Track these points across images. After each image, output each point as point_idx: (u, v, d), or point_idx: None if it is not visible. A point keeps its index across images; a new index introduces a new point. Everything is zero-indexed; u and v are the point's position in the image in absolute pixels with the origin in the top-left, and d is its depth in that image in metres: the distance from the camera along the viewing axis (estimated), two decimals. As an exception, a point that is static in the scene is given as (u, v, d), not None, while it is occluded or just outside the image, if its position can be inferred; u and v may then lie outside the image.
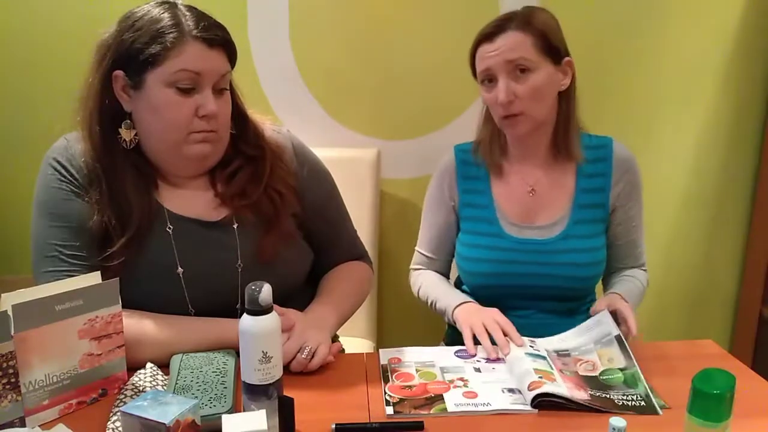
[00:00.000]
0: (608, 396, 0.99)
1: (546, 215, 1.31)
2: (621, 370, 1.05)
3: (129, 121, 1.09)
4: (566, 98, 1.28)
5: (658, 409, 0.96)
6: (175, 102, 1.04)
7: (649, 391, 0.99)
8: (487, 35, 1.24)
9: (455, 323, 1.25)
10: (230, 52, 1.09)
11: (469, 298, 1.28)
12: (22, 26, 1.72)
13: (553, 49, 1.24)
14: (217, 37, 1.06)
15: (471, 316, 1.21)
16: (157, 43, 1.02)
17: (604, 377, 1.04)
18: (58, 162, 1.09)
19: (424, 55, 1.76)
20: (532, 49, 1.22)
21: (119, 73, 1.06)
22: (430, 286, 1.38)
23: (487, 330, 1.15)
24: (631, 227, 1.34)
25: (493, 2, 1.73)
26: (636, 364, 1.05)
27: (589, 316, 1.38)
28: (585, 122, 1.35)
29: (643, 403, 0.97)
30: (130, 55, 1.04)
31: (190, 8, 1.07)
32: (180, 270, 1.10)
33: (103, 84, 1.07)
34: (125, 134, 1.09)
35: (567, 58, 1.26)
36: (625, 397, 0.98)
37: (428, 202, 1.42)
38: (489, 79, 1.25)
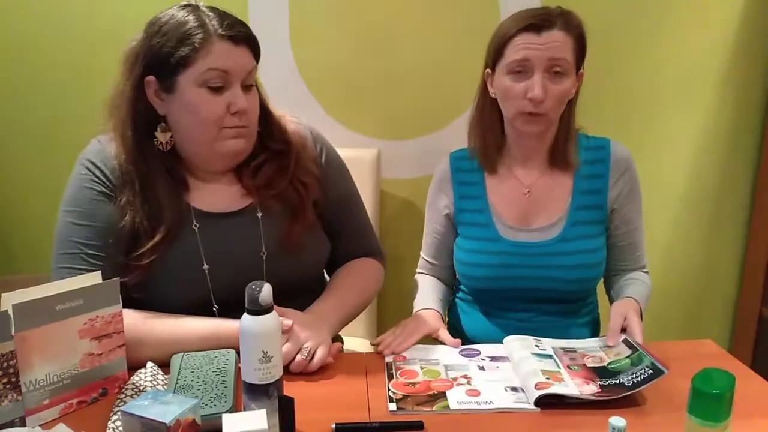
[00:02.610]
0: (618, 381, 1.00)
1: (543, 217, 1.31)
2: (627, 357, 1.07)
3: (164, 123, 1.11)
4: (569, 107, 1.27)
5: (664, 369, 0.98)
6: (207, 100, 1.07)
7: (653, 360, 1.02)
8: (534, 26, 1.18)
9: None
10: (254, 48, 1.12)
11: (429, 307, 1.29)
12: (26, 27, 1.72)
13: (582, 56, 1.24)
14: (242, 34, 1.08)
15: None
16: (185, 45, 1.05)
17: (613, 366, 1.06)
18: (92, 163, 1.11)
19: (425, 55, 1.76)
20: (572, 53, 1.21)
21: (151, 78, 1.08)
22: (417, 292, 1.38)
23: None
24: (630, 229, 1.33)
25: (493, 3, 1.73)
26: (639, 348, 1.08)
27: (591, 321, 1.37)
28: (585, 123, 1.34)
29: (650, 371, 1.00)
30: (160, 59, 1.06)
31: (212, 8, 1.10)
32: (206, 266, 1.11)
33: (135, 90, 1.09)
34: (161, 137, 1.12)
35: (581, 70, 1.26)
36: (634, 376, 1.00)
37: (427, 209, 1.42)
38: (520, 70, 1.21)
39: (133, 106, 1.10)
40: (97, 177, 1.10)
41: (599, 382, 1.01)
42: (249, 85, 1.11)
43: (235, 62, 1.07)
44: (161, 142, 1.11)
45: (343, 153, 1.73)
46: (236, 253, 1.13)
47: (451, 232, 1.39)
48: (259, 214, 1.16)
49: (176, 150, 1.14)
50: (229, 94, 1.08)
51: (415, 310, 1.31)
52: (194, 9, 1.08)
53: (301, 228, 1.17)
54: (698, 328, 2.00)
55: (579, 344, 1.16)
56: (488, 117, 1.31)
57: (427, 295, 1.35)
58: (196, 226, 1.13)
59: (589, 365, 1.07)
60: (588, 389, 0.99)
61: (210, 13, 1.08)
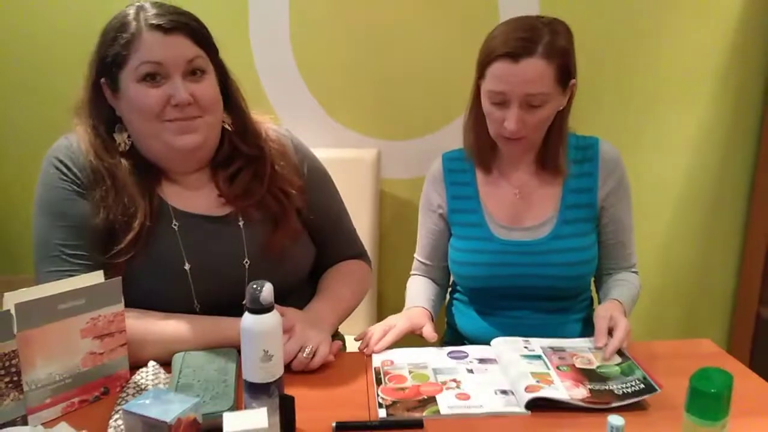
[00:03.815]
0: (608, 387, 1.00)
1: (534, 216, 1.31)
2: (617, 364, 1.07)
3: (120, 124, 1.11)
4: (560, 116, 1.26)
5: (657, 387, 0.98)
6: (145, 94, 1.05)
7: (645, 374, 1.02)
8: (511, 54, 1.16)
9: None
10: (196, 36, 1.08)
11: (418, 304, 1.29)
12: (23, 27, 1.73)
13: (567, 76, 1.22)
14: (173, 22, 1.05)
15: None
16: (117, 43, 1.04)
17: (602, 370, 1.05)
18: (60, 161, 1.09)
19: (425, 55, 1.77)
20: (552, 81, 1.18)
21: (104, 80, 1.08)
22: (408, 293, 1.39)
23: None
24: (619, 227, 1.33)
25: (492, 4, 1.73)
26: (631, 358, 1.08)
27: (585, 317, 1.37)
28: (582, 122, 1.34)
29: (642, 385, 0.99)
30: (103, 60, 1.06)
31: (155, 3, 1.08)
32: (187, 266, 1.11)
33: (93, 93, 1.09)
34: (118, 138, 1.11)
35: (573, 81, 1.24)
36: (624, 386, 1.00)
37: (421, 210, 1.42)
38: (498, 101, 1.20)
39: (92, 110, 1.10)
40: (66, 175, 1.08)
41: (589, 386, 1.00)
42: (198, 75, 1.07)
43: (168, 52, 1.04)
44: (119, 143, 1.10)
45: (343, 153, 1.75)
46: (218, 260, 1.12)
47: (446, 232, 1.39)
48: (241, 222, 1.15)
49: (138, 152, 1.12)
50: (169, 87, 1.04)
51: (404, 309, 1.31)
52: (138, 6, 1.07)
53: (283, 237, 1.16)
54: (696, 327, 2.00)
55: (568, 343, 1.16)
56: (481, 119, 1.30)
57: (417, 294, 1.36)
58: (175, 225, 1.11)
59: (578, 366, 1.07)
60: (578, 393, 0.98)
61: (148, 7, 1.06)
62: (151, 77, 1.04)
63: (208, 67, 1.10)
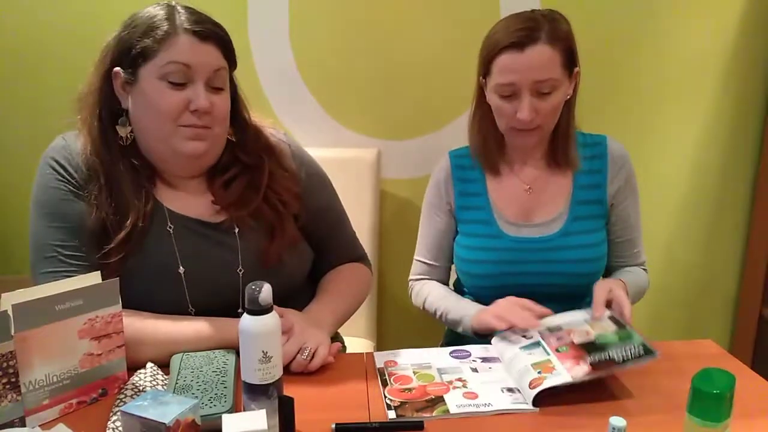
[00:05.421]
0: (608, 356, 1.01)
1: (543, 213, 1.31)
2: (614, 333, 1.08)
3: (125, 117, 1.10)
4: (567, 106, 1.26)
5: (655, 351, 0.99)
6: (166, 94, 1.05)
7: (643, 340, 1.03)
8: (516, 44, 1.17)
9: (472, 330, 1.23)
10: (225, 49, 1.10)
11: (482, 306, 1.28)
12: (23, 28, 1.72)
13: (572, 62, 1.22)
14: (209, 31, 1.07)
15: (493, 308, 1.20)
16: (149, 36, 1.04)
17: (601, 341, 1.06)
18: (56, 161, 1.09)
19: (425, 55, 1.76)
20: (559, 66, 1.19)
21: (118, 69, 1.08)
22: (438, 297, 1.36)
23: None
24: (628, 226, 1.34)
25: (493, 2, 1.73)
26: (627, 326, 1.08)
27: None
28: (586, 121, 1.34)
29: (641, 350, 1.00)
30: (126, 50, 1.06)
31: (187, 8, 1.09)
32: (182, 269, 1.10)
33: (103, 82, 1.09)
34: (121, 131, 1.10)
35: (576, 69, 1.25)
36: (624, 352, 1.01)
37: (426, 209, 1.41)
38: (508, 94, 1.21)
39: (101, 98, 1.09)
40: (62, 176, 1.08)
41: (589, 360, 1.01)
42: (218, 88, 1.09)
43: (199, 58, 1.05)
44: (121, 137, 1.10)
45: (343, 153, 1.75)
46: (212, 266, 1.12)
47: (452, 231, 1.39)
48: (236, 230, 1.14)
49: (138, 148, 1.12)
50: (190, 91, 1.05)
51: (469, 314, 1.24)
52: (169, 6, 1.08)
53: (279, 247, 1.15)
54: (698, 327, 2.00)
55: (564, 319, 1.15)
56: (486, 119, 1.30)
57: (459, 298, 1.33)
58: (170, 227, 1.11)
59: (576, 342, 1.07)
60: (579, 370, 0.99)
61: (182, 10, 1.07)
62: (176, 78, 1.05)
63: (227, 81, 1.12)
